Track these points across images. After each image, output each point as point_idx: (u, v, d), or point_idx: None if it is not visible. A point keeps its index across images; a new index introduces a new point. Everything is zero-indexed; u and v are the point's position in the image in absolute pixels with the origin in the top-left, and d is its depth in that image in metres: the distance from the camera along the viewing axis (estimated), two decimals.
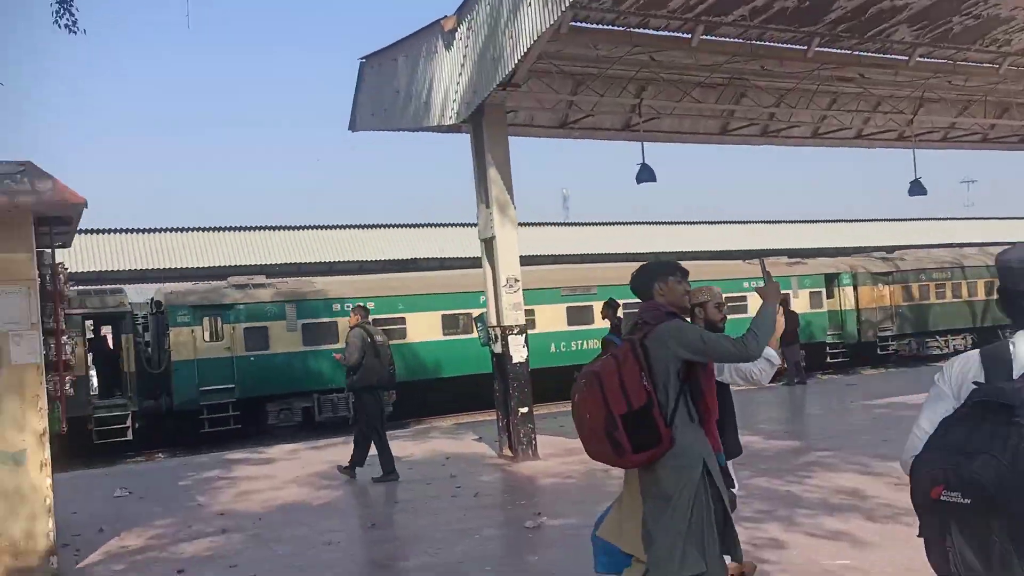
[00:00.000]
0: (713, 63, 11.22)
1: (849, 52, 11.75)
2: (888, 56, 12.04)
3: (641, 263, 3.69)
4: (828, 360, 25.02)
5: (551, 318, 21.37)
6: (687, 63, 11.14)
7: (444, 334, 20.53)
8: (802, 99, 14.11)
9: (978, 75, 13.17)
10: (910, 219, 40.86)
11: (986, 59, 12.85)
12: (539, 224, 35.14)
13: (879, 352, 26.12)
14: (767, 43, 11.10)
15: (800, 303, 24.10)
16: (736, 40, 10.91)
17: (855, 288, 25.91)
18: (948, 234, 38.30)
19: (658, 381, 3.25)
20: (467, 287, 19.71)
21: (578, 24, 9.60)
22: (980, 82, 13.67)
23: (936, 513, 1.89)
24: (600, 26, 9.86)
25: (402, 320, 20.16)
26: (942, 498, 1.86)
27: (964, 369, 2.13)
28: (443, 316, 20.59)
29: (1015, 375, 1.99)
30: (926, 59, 12.36)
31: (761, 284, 3.52)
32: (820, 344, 24.91)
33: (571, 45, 10.23)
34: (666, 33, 10.30)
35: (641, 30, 10.14)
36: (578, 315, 21.52)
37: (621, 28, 9.95)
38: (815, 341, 24.40)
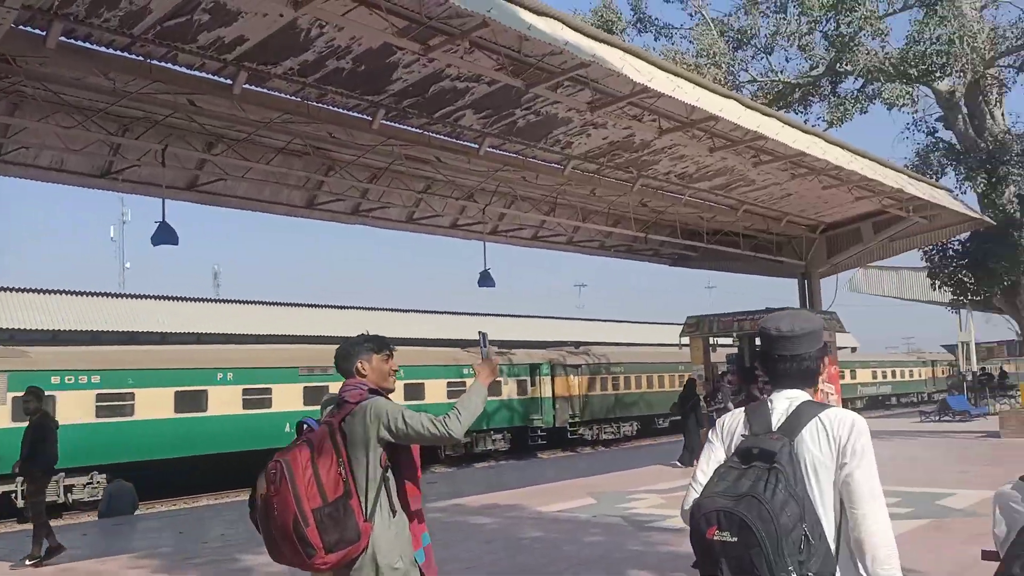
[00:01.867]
0: (263, 118, 10.05)
1: (420, 131, 11.37)
2: (460, 142, 11.88)
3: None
4: (529, 443, 27.67)
5: (289, 397, 20.75)
6: (234, 115, 9.85)
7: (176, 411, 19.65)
8: (394, 180, 13.63)
9: (548, 174, 13.61)
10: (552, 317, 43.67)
11: (554, 159, 13.33)
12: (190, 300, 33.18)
13: (569, 436, 28.79)
14: (329, 107, 10.26)
15: (509, 389, 26.98)
16: (292, 97, 9.91)
17: (552, 378, 28.81)
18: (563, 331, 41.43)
19: (357, 468, 3.01)
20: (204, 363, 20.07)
21: (74, 42, 7.89)
22: (551, 182, 14.17)
23: (710, 552, 2.12)
24: (110, 51, 8.21)
25: (131, 396, 19.07)
26: (715, 538, 2.09)
27: (732, 424, 2.44)
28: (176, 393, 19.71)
29: (774, 427, 2.32)
30: (496, 151, 12.45)
31: (479, 361, 3.27)
32: (523, 427, 27.68)
33: (73, 68, 8.42)
34: (201, 74, 8.95)
35: (168, 64, 8.67)
36: (317, 395, 20.91)
37: (139, 58, 8.39)
38: (518, 425, 27.43)
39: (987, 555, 3.12)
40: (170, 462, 19.23)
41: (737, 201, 16.98)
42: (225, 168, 11.90)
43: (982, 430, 22.10)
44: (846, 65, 19.05)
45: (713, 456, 2.40)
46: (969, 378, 30.61)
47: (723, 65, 19.46)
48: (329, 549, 2.85)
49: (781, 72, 20.84)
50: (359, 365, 3.24)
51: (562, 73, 9.24)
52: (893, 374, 46.55)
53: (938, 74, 18.39)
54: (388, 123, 10.87)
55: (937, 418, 27.34)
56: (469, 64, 9.24)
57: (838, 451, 2.25)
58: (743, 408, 2.43)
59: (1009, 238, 18.16)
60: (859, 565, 2.22)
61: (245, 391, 20.95)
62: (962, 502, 10.42)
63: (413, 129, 11.30)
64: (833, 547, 2.22)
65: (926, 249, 19.63)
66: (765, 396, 2.45)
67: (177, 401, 19.61)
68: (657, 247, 20.81)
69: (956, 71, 18.42)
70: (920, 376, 49.10)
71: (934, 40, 18.00)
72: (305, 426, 3.17)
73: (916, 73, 18.15)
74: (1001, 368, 37.87)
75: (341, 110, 10.39)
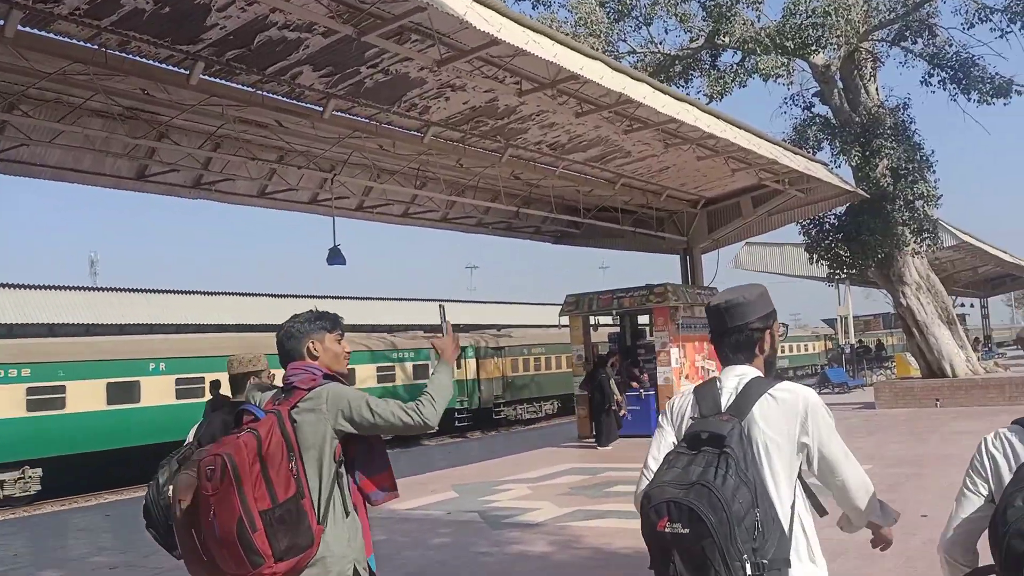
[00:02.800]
0: (54, 68, 8.61)
1: (252, 90, 10.13)
2: (301, 103, 10.70)
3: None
4: (456, 424, 27.34)
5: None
6: (15, 64, 8.39)
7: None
8: (240, 149, 12.27)
9: (407, 141, 12.56)
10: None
11: (412, 125, 12.30)
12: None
13: (494, 417, 29.55)
14: (135, 57, 8.92)
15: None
16: (88, 44, 8.52)
17: (477, 360, 29.05)
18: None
19: (308, 463, 2.59)
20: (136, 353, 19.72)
21: None
22: (412, 151, 13.13)
23: (661, 544, 2.01)
24: None
25: (62, 388, 18.58)
26: (666, 530, 1.98)
27: (681, 406, 2.33)
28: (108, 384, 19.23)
29: (723, 408, 2.21)
30: (345, 114, 11.32)
31: (439, 336, 2.89)
32: (450, 410, 25.38)
33: None
34: None
35: None
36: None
37: None
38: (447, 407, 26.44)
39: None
40: (104, 454, 18.88)
41: (614, 174, 16.36)
42: (28, 131, 10.36)
43: (859, 401, 22.43)
44: (724, 37, 18.68)
45: (664, 441, 2.32)
46: (847, 351, 31.37)
47: (601, 34, 18.78)
48: (279, 557, 2.46)
49: (661, 43, 20.35)
50: (311, 346, 2.85)
51: (395, 19, 8.20)
52: (791, 348, 48.46)
53: (814, 47, 18.19)
54: (211, 79, 9.59)
55: (817, 390, 27.76)
56: (298, 9, 8.10)
57: (797, 427, 2.17)
58: (692, 388, 2.35)
59: (882, 211, 18.22)
60: (851, 519, 2.32)
61: (178, 381, 20.46)
62: None
63: (242, 87, 10.05)
64: (787, 528, 2.12)
65: (803, 223, 19.56)
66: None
67: (109, 393, 19.24)
68: (538, 224, 20.09)
69: (831, 44, 18.29)
70: (814, 349, 51.14)
71: (810, 12, 17.78)
72: (245, 415, 2.70)
73: (792, 46, 17.90)
74: (878, 340, 39.20)
75: (150, 61, 9.05)
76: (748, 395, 2.20)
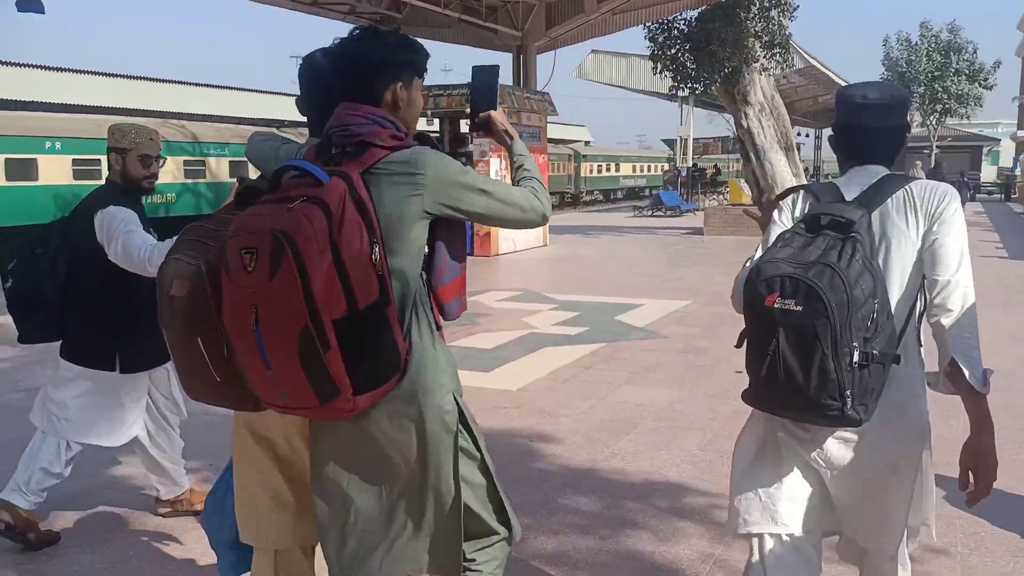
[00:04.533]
0: None
1: None
2: None
3: None
4: None
5: None
6: None
7: None
8: None
9: None
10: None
11: None
12: None
13: None
14: None
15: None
16: None
17: None
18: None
19: (391, 255, 1.80)
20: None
21: None
22: None
23: (766, 321, 1.89)
24: None
25: None
26: (775, 305, 1.87)
27: (796, 200, 2.17)
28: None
29: (849, 199, 2.06)
30: None
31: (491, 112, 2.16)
32: None
33: None
34: None
35: None
36: None
37: None
38: None
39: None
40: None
41: None
42: None
43: (689, 226, 21.71)
44: None
45: (777, 232, 2.07)
46: (683, 174, 30.65)
47: None
48: (360, 387, 1.70)
49: None
50: (398, 90, 1.92)
51: None
52: (647, 168, 48.54)
53: None
54: None
55: (650, 212, 27.13)
56: None
57: (927, 220, 2.00)
58: (805, 185, 2.17)
59: (736, 18, 16.45)
60: (940, 338, 1.97)
61: (75, 161, 19.39)
62: (643, 318, 8.68)
63: None
64: (899, 327, 1.98)
65: (650, 27, 17.51)
66: None
67: (8, 169, 18.17)
68: (353, 2, 17.02)
69: None
70: (657, 171, 51.20)
71: None
72: (292, 172, 1.79)
73: None
74: (715, 165, 39.00)
75: None
76: (882, 188, 2.04)
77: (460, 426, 1.94)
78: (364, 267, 1.70)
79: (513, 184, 2.07)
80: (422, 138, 1.97)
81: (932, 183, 2.05)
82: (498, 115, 2.17)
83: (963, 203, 14.90)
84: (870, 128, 2.10)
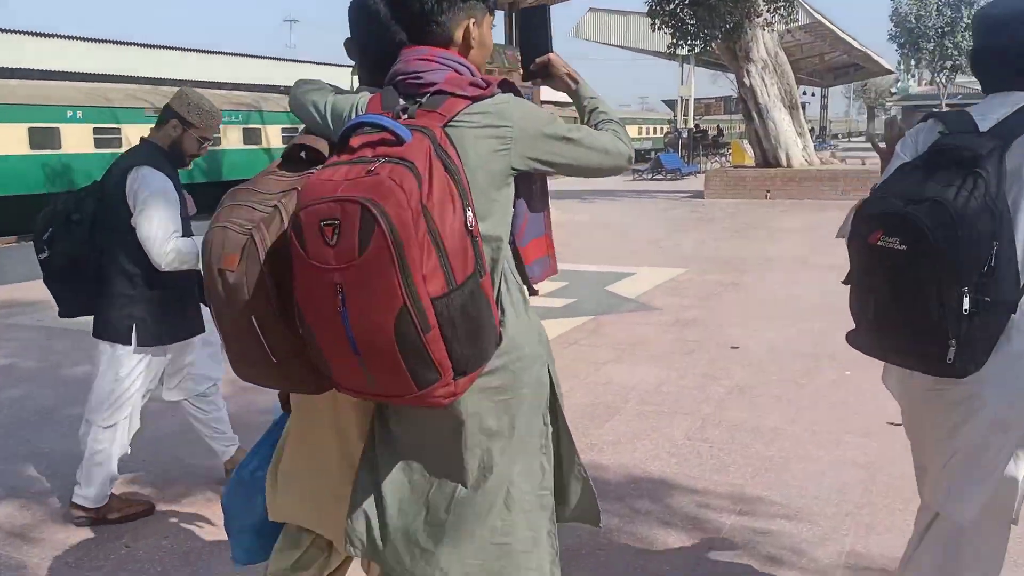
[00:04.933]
0: None
1: None
2: None
3: None
4: None
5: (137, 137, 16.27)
6: None
7: None
8: None
9: None
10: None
11: None
12: None
13: None
14: None
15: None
16: None
17: None
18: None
19: (482, 220, 1.62)
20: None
21: None
22: None
23: (869, 260, 1.80)
24: None
25: None
26: (879, 243, 1.75)
27: (920, 130, 1.98)
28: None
29: (983, 129, 1.84)
30: None
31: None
32: None
33: None
34: None
35: None
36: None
37: None
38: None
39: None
40: (24, 199, 17.47)
41: None
42: None
43: (689, 190, 21.13)
44: None
45: (897, 165, 1.93)
46: (684, 135, 29.89)
47: None
48: (461, 369, 1.51)
49: None
50: (471, 27, 1.74)
51: None
52: (649, 131, 47.86)
53: None
54: None
55: (650, 176, 26.51)
56: None
57: None
58: (935, 113, 2.00)
59: None
60: None
61: (96, 130, 19.50)
62: (635, 288, 8.20)
63: None
64: None
65: None
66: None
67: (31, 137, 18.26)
68: None
69: None
70: (660, 133, 50.60)
71: None
72: (364, 128, 1.56)
73: None
74: (717, 126, 38.19)
75: None
76: (1021, 119, 1.79)
77: (552, 394, 1.85)
78: (459, 235, 1.52)
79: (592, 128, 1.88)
80: (504, 84, 1.73)
81: None
82: (557, 58, 1.99)
83: None
84: (1006, 48, 1.88)
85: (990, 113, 1.87)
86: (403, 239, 1.41)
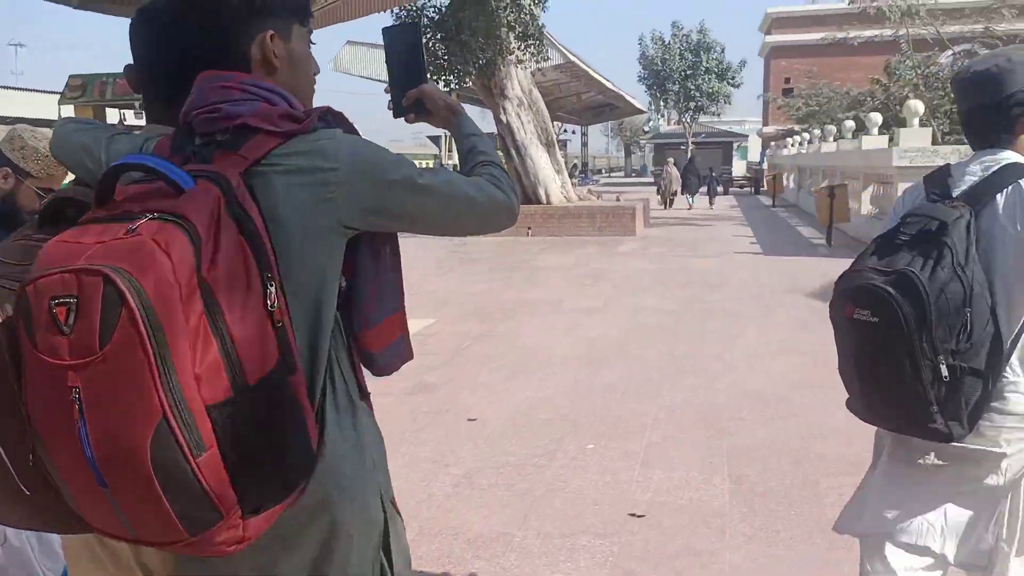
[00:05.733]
0: None
1: None
2: None
3: None
4: None
5: None
6: None
7: None
8: None
9: None
10: None
11: None
12: None
13: None
14: None
15: None
16: None
17: None
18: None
19: (294, 294, 1.25)
20: None
21: None
22: None
23: (847, 332, 1.87)
24: None
25: None
26: (854, 316, 1.81)
27: (909, 192, 2.06)
28: None
29: (955, 194, 1.91)
30: None
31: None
32: None
33: None
34: None
35: None
36: None
37: None
38: None
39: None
40: None
41: None
42: None
43: None
44: None
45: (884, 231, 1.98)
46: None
47: None
48: (253, 506, 1.12)
49: None
50: (266, 42, 1.35)
51: None
52: (427, 166, 48.93)
53: None
54: None
55: None
56: None
57: None
58: (928, 175, 2.02)
59: (487, 6, 15.58)
60: None
61: None
62: None
63: None
64: (1008, 341, 1.80)
65: (398, 13, 16.25)
66: None
67: None
68: None
69: None
70: None
71: None
72: (133, 176, 1.23)
73: None
74: None
75: None
76: (994, 183, 1.82)
77: (382, 550, 1.38)
78: (255, 320, 1.15)
79: (465, 175, 1.49)
80: (329, 115, 1.34)
81: None
82: (432, 89, 1.62)
83: (713, 197, 14.67)
84: (982, 107, 1.91)
85: (967, 175, 1.89)
86: (163, 324, 1.05)
